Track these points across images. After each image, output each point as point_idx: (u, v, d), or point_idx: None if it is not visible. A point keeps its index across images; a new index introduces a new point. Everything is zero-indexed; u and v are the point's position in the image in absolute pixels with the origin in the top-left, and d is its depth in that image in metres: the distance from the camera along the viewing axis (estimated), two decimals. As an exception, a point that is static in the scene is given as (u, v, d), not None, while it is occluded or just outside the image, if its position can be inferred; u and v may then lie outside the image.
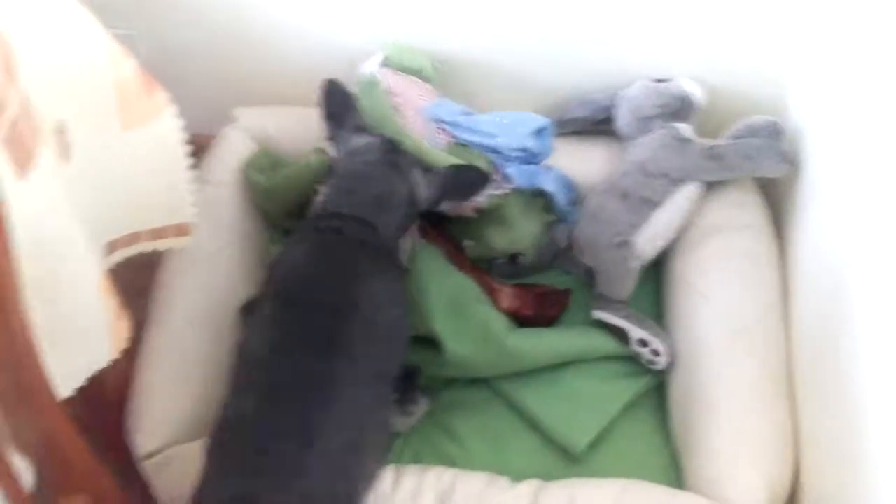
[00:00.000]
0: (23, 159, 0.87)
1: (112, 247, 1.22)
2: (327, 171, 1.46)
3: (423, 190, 1.38)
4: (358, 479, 1.17)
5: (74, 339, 1.02)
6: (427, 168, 1.42)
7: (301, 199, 1.55)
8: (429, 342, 1.44)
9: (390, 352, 1.27)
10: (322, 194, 1.36)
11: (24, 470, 0.98)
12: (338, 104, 1.44)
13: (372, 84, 1.53)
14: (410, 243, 1.46)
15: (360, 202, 1.31)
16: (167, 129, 1.15)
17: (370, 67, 1.58)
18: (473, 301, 1.47)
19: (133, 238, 1.24)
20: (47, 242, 0.92)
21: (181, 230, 1.29)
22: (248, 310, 1.36)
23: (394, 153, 1.38)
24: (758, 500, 1.25)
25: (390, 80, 1.55)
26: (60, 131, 1.02)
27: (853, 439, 1.13)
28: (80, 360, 1.06)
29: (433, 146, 1.50)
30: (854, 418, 1.14)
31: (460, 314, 1.44)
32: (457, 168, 1.43)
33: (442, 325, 1.42)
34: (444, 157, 1.48)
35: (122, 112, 1.08)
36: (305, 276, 1.24)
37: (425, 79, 1.61)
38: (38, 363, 0.92)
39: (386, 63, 1.60)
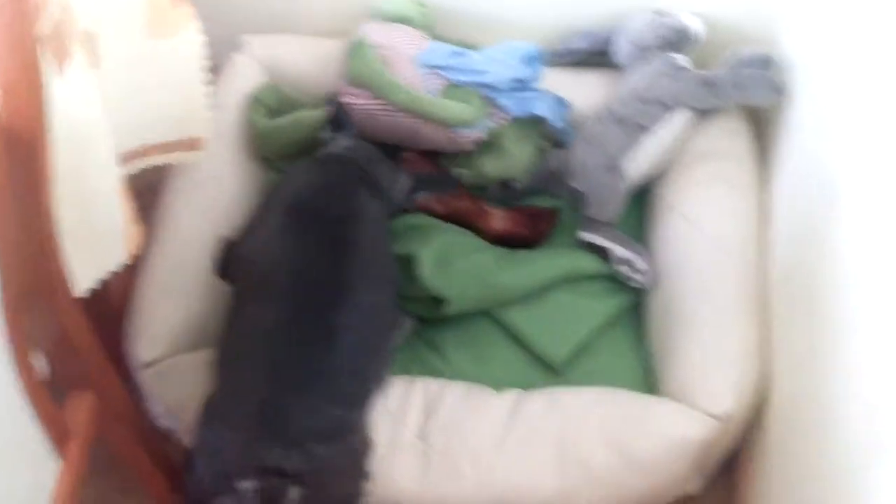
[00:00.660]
0: (61, 57, 0.91)
1: (126, 157, 1.25)
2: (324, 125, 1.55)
3: (403, 184, 1.48)
4: (371, 379, 1.25)
5: (93, 236, 1.06)
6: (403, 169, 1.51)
7: (295, 149, 1.61)
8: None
9: (392, 264, 1.35)
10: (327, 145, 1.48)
11: (39, 365, 1.03)
12: (339, 118, 1.54)
13: (360, 46, 1.57)
14: None
15: (356, 151, 1.43)
16: (190, 42, 1.19)
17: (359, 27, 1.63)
18: (462, 254, 1.52)
19: (147, 150, 1.28)
20: (77, 138, 0.96)
21: (193, 144, 1.32)
22: (221, 262, 1.40)
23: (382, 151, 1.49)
24: (726, 405, 1.32)
25: (379, 34, 1.59)
26: (91, 38, 1.05)
27: (821, 351, 1.20)
28: (97, 258, 1.10)
29: (428, 92, 1.56)
30: (822, 331, 1.20)
31: (453, 269, 1.50)
32: (429, 174, 1.57)
33: (440, 283, 1.48)
34: (440, 104, 1.54)
35: (150, 19, 1.12)
36: (314, 189, 1.34)
37: (414, 25, 1.65)
38: (58, 257, 0.97)
39: (375, 15, 1.64)
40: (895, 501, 0.93)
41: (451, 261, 1.50)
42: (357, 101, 1.56)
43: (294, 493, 1.11)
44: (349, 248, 1.25)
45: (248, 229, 1.35)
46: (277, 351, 1.16)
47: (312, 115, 1.59)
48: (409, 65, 1.56)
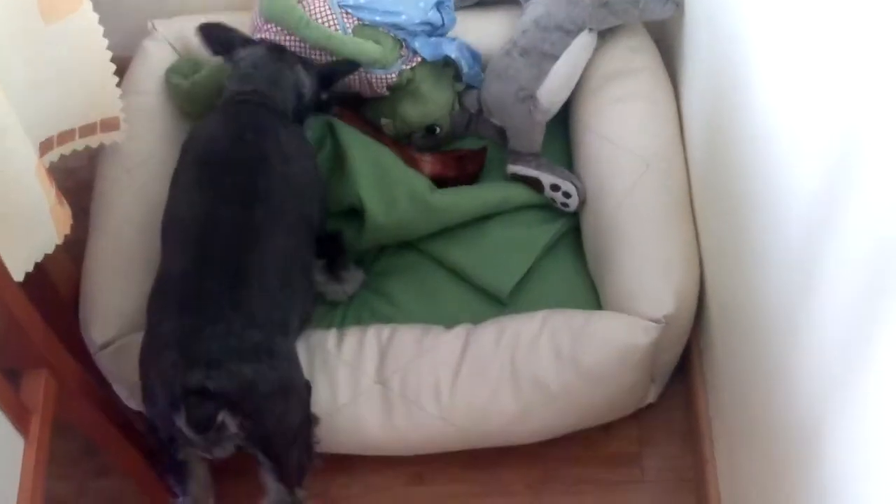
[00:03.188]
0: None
1: (46, 146, 1.27)
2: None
3: (306, 80, 1.49)
4: (290, 310, 1.29)
5: (20, 221, 1.09)
6: (307, 66, 1.52)
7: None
8: (360, 216, 1.54)
9: (307, 199, 1.39)
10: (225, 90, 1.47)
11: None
12: (218, 39, 1.52)
13: None
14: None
15: (255, 81, 1.44)
16: (86, 22, 1.20)
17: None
18: (395, 165, 1.56)
19: (66, 136, 1.30)
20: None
21: (110, 125, 1.34)
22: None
23: (278, 51, 1.50)
24: (667, 308, 1.38)
25: None
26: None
27: (742, 250, 1.24)
28: (26, 244, 1.13)
29: (340, 30, 1.57)
30: (740, 231, 1.24)
31: (385, 177, 1.54)
32: (330, 63, 1.56)
33: (368, 190, 1.52)
34: (352, 42, 1.55)
35: (42, 5, 1.13)
36: (218, 138, 1.37)
37: None
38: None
39: None
40: (812, 374, 0.98)
41: (382, 169, 1.54)
42: (270, 37, 1.57)
43: (227, 418, 1.15)
44: (257, 195, 1.29)
45: (169, 192, 1.38)
46: (188, 290, 1.21)
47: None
48: (323, 3, 1.57)
